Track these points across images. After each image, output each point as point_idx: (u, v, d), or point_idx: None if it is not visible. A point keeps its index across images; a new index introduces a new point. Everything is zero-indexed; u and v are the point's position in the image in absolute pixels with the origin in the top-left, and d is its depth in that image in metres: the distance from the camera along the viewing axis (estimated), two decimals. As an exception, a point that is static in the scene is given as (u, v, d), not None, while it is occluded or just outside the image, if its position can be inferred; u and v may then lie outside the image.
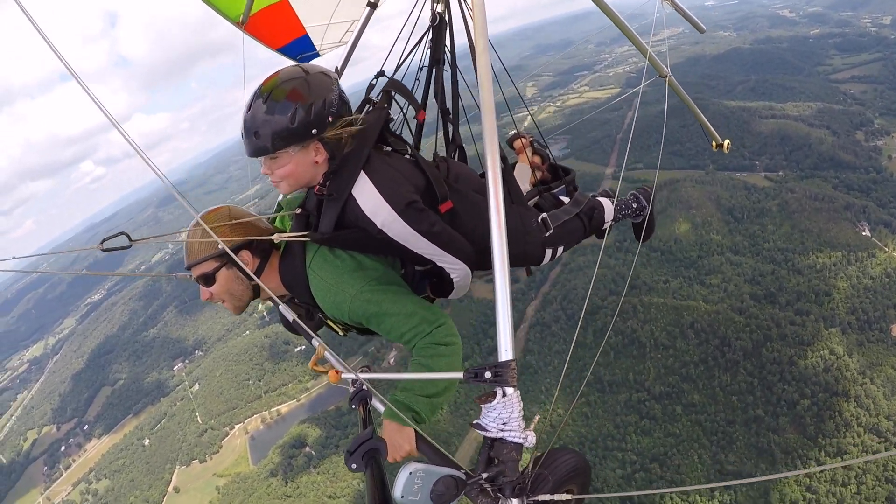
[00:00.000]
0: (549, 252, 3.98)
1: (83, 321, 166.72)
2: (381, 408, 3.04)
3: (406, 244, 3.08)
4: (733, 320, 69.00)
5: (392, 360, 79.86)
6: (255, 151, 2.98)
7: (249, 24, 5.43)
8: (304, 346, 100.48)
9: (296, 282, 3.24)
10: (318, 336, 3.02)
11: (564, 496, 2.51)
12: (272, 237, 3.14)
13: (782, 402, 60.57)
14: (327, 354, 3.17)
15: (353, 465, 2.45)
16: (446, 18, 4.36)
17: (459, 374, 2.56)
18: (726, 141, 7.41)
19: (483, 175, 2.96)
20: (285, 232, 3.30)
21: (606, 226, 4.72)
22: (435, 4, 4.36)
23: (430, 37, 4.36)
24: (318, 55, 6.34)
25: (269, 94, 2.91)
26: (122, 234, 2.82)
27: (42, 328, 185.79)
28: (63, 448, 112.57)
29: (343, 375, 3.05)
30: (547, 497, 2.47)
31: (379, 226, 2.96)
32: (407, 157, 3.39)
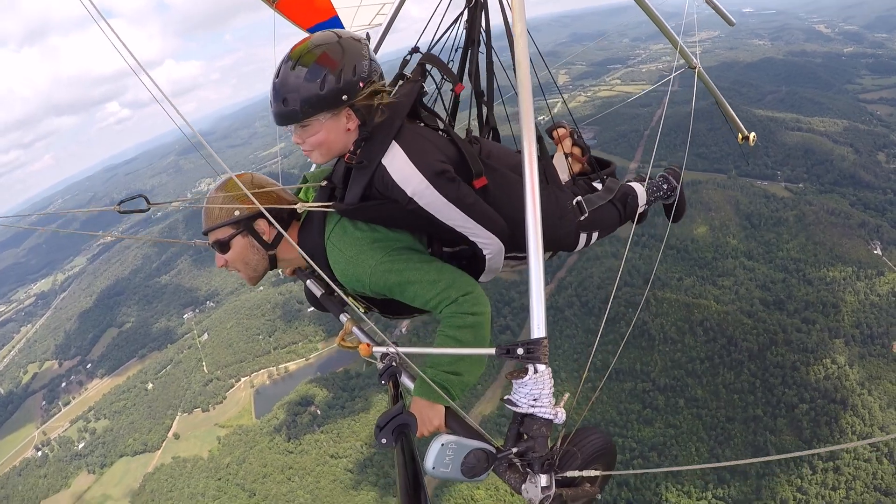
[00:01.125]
0: (583, 237, 3.91)
1: (94, 261, 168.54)
2: (410, 384, 2.97)
3: (437, 215, 3.01)
4: (741, 322, 70.36)
5: (405, 329, 79.96)
6: (285, 119, 2.99)
7: (280, 3, 5.57)
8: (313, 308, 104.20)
9: (314, 254, 3.19)
10: (352, 307, 3.18)
11: (593, 472, 2.65)
12: (294, 206, 3.13)
13: (782, 405, 61.92)
14: (355, 329, 3.36)
15: (384, 440, 2.46)
16: None
17: (492, 350, 2.58)
18: (752, 134, 7.51)
19: (519, 153, 3.17)
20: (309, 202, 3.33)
21: (641, 209, 4.68)
22: None
23: (465, 17, 4.34)
24: None
25: (299, 59, 2.93)
26: (140, 196, 2.78)
27: (51, 264, 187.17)
28: (64, 384, 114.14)
29: (374, 349, 3.05)
30: (576, 473, 2.59)
31: (409, 194, 2.92)
32: (440, 131, 3.38)
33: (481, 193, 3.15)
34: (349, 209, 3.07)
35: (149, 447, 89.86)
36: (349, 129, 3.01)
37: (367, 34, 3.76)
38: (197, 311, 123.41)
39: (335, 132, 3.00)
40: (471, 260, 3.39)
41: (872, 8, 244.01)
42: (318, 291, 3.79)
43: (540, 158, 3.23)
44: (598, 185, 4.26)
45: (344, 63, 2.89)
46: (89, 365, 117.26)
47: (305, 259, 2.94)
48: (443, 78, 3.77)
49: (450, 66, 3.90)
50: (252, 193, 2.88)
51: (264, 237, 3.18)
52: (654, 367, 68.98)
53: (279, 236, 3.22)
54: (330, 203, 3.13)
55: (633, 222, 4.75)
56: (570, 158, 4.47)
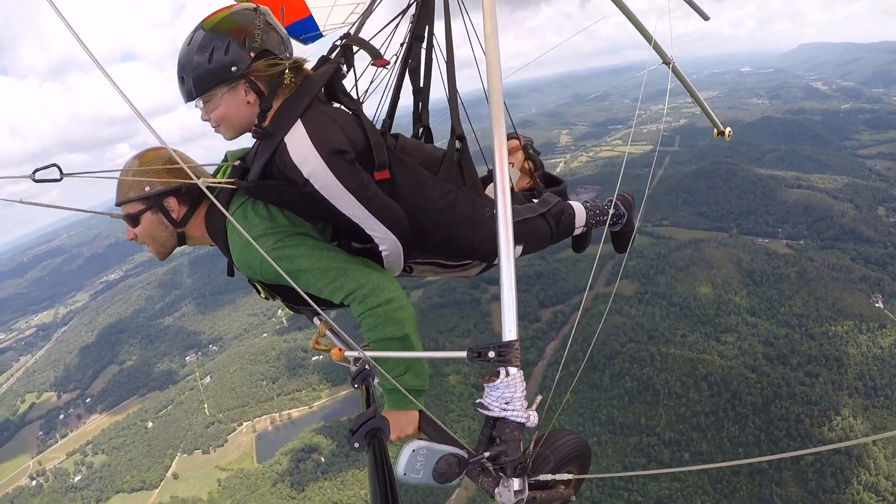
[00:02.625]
0: None
1: (97, 297, 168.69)
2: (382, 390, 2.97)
3: (332, 201, 2.95)
4: (746, 377, 71.17)
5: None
6: (185, 95, 3.00)
7: (255, 2, 4.92)
8: (321, 357, 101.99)
9: (216, 234, 3.21)
10: (322, 312, 3.02)
11: (566, 476, 2.67)
12: (196, 182, 2.82)
13: (786, 458, 61.39)
14: (329, 333, 3.37)
15: (356, 444, 2.39)
16: None
17: (463, 354, 2.53)
18: (727, 129, 7.67)
19: (443, 153, 3.42)
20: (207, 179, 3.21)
21: (578, 230, 4.56)
22: None
23: (413, 12, 4.21)
24: (321, 36, 6.23)
25: (192, 35, 2.93)
26: (53, 165, 2.64)
27: (53, 297, 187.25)
28: (62, 416, 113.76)
29: (346, 353, 3.01)
30: (548, 476, 2.60)
31: (305, 175, 2.86)
32: (349, 114, 3.25)
33: (388, 187, 3.14)
34: (249, 187, 3.04)
35: (147, 485, 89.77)
36: (249, 102, 3.01)
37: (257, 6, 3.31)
38: (200, 353, 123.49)
39: (234, 106, 3.00)
40: (377, 257, 3.33)
41: (869, 63, 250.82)
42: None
43: (459, 158, 3.47)
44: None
45: (233, 33, 2.89)
46: (88, 399, 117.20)
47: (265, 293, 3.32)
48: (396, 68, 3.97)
49: (394, 58, 4.16)
50: (164, 169, 3.07)
51: (173, 214, 3.20)
52: (659, 421, 69.35)
53: (188, 214, 3.24)
54: (231, 180, 3.08)
55: (576, 250, 4.98)
56: (515, 171, 4.58)
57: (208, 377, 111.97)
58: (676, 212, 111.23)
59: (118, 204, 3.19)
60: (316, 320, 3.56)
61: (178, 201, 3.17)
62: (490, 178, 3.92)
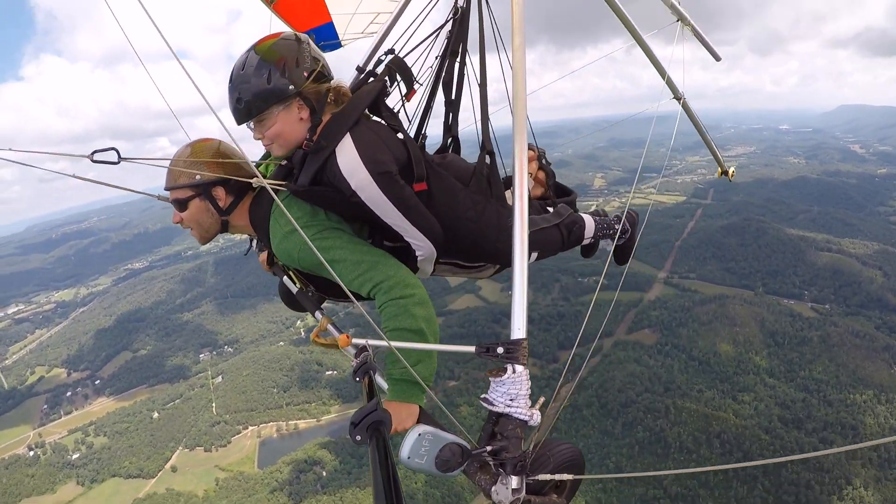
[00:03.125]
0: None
1: (119, 283, 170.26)
2: (384, 384, 3.07)
3: (376, 210, 3.14)
4: (759, 437, 70.50)
5: None
6: (241, 115, 3.15)
7: (278, 4, 5.64)
8: (334, 371, 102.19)
9: (259, 224, 3.41)
10: (322, 309, 3.39)
11: (564, 476, 2.73)
12: (251, 180, 3.27)
13: None
14: (331, 327, 3.41)
15: (358, 437, 2.32)
16: (468, 12, 4.33)
17: (471, 349, 2.65)
18: (731, 168, 7.69)
19: (474, 167, 3.60)
20: (267, 178, 3.50)
21: (587, 241, 4.84)
22: None
23: (448, 28, 4.33)
24: (339, 45, 6.32)
25: (246, 59, 3.11)
26: (112, 148, 2.73)
27: (76, 277, 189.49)
28: (69, 394, 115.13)
29: (353, 341, 3.07)
30: (547, 476, 2.65)
31: (353, 187, 3.04)
32: (393, 130, 3.45)
33: (424, 196, 3.30)
34: (299, 190, 3.22)
35: (144, 473, 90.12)
36: (302, 119, 3.20)
37: (296, 35, 3.47)
38: (214, 353, 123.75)
39: (289, 123, 3.18)
40: (407, 257, 3.51)
41: None
42: (293, 288, 3.84)
43: (489, 171, 3.65)
44: (550, 209, 4.54)
45: (286, 57, 3.10)
46: (98, 381, 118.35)
47: (278, 273, 3.57)
48: (414, 80, 3.94)
49: (429, 72, 4.30)
50: (216, 161, 3.31)
51: (220, 203, 3.41)
52: (668, 475, 67.71)
53: (234, 204, 3.46)
54: (284, 182, 3.30)
55: (584, 255, 5.22)
56: (529, 180, 4.48)
57: (220, 377, 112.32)
58: (704, 265, 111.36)
59: (168, 188, 3.39)
60: (318, 314, 3.62)
61: (226, 191, 3.39)
62: (510, 181, 3.87)
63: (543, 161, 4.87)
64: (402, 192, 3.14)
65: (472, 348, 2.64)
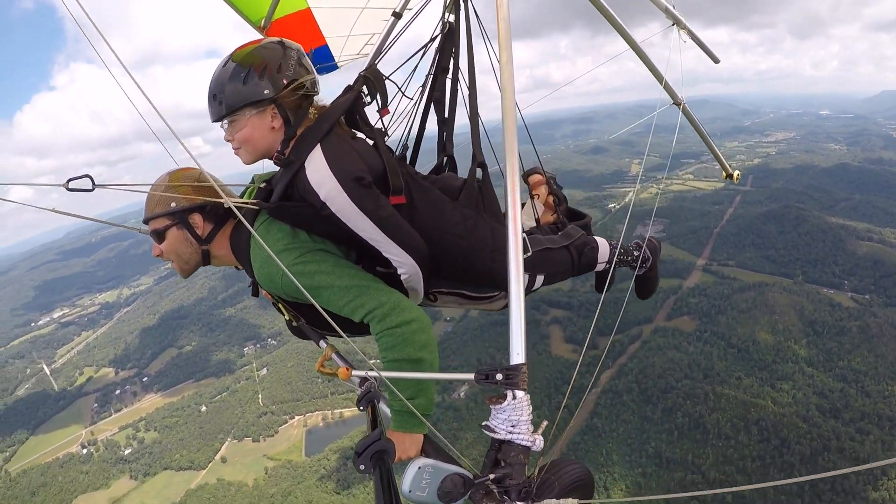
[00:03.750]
0: (526, 277, 3.56)
1: (161, 282, 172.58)
2: (388, 410, 2.99)
3: (348, 223, 3.01)
4: (797, 426, 71.20)
5: None
6: (214, 114, 3.11)
7: (270, 30, 5.58)
8: (378, 359, 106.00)
9: (240, 251, 3.28)
10: (326, 338, 3.46)
11: (570, 501, 2.60)
12: (220, 200, 3.11)
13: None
14: (335, 356, 3.50)
15: (362, 467, 2.38)
16: (457, 28, 4.29)
17: (471, 376, 2.57)
18: (736, 171, 7.54)
19: (464, 181, 3.50)
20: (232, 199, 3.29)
21: (601, 266, 4.64)
22: (447, 14, 4.32)
23: (437, 45, 4.29)
24: (336, 67, 6.37)
25: (228, 59, 3.09)
26: (86, 176, 2.62)
27: (118, 278, 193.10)
28: (118, 392, 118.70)
29: (354, 373, 3.08)
30: (552, 502, 2.55)
31: (322, 198, 2.93)
32: (368, 142, 3.39)
33: (405, 211, 3.18)
34: (271, 208, 3.12)
35: (195, 465, 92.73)
36: (274, 128, 3.11)
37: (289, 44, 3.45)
38: (258, 346, 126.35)
39: (260, 129, 3.10)
40: (399, 282, 3.37)
41: None
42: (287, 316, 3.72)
43: (480, 186, 3.52)
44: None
45: (268, 61, 3.05)
46: (145, 378, 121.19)
47: (279, 308, 3.45)
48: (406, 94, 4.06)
49: (420, 89, 4.24)
50: (192, 187, 3.20)
51: (198, 231, 3.29)
52: (706, 460, 70.00)
53: (213, 232, 3.33)
54: (254, 200, 3.20)
55: (598, 290, 4.86)
56: (539, 205, 4.63)
57: (265, 369, 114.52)
58: (742, 253, 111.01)
59: (146, 220, 3.34)
60: (322, 343, 3.63)
61: (203, 218, 3.32)
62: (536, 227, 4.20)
63: (554, 185, 4.77)
64: (376, 201, 3.04)
65: (471, 375, 2.59)
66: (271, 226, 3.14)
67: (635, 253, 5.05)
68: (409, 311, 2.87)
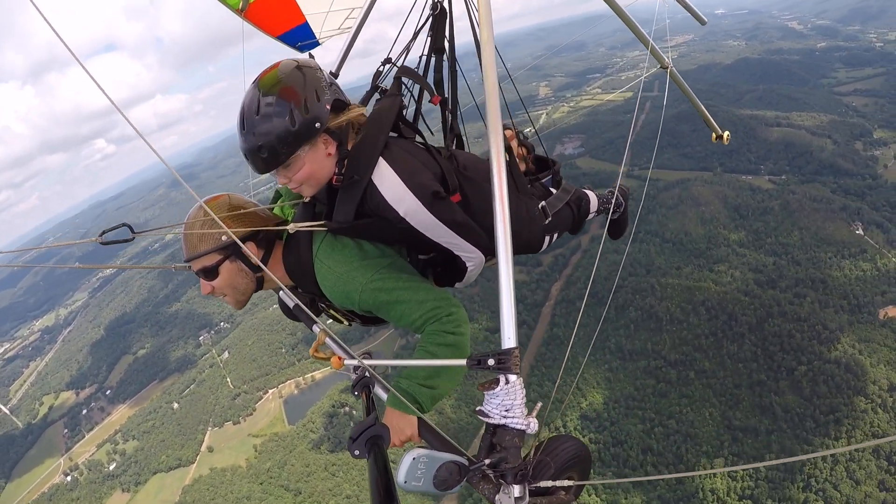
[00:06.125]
0: (547, 238, 4.11)
1: (96, 294, 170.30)
2: (383, 395, 3.05)
3: (427, 233, 3.12)
4: (739, 300, 77.68)
5: (397, 348, 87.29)
6: (265, 167, 2.96)
7: (249, 11, 5.54)
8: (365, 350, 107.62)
9: (301, 271, 3.26)
10: (319, 322, 3.36)
11: (566, 482, 2.69)
12: (286, 227, 3.12)
13: (782, 369, 69.29)
14: (328, 341, 3.35)
15: (356, 452, 2.44)
16: (447, 7, 4.34)
17: (462, 362, 2.57)
18: (726, 133, 7.62)
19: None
20: (287, 221, 3.31)
21: (591, 215, 4.93)
22: None
23: (430, 25, 4.32)
24: (318, 44, 6.33)
25: (258, 102, 2.89)
26: (124, 225, 2.75)
27: (51, 300, 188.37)
28: (84, 412, 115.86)
29: (346, 362, 2.97)
30: (549, 483, 2.63)
31: (402, 214, 2.98)
32: (419, 145, 3.43)
33: (462, 206, 3.26)
34: (343, 227, 3.13)
35: (183, 462, 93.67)
36: (330, 154, 3.07)
37: (311, 53, 3.80)
38: (213, 332, 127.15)
39: (318, 162, 3.05)
40: (446, 266, 3.64)
41: (845, 1, 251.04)
42: (290, 303, 3.90)
43: (510, 169, 3.58)
44: (553, 190, 4.47)
45: (307, 92, 2.91)
46: (108, 391, 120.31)
47: (278, 283, 3.28)
48: (421, 90, 3.98)
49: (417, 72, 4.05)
50: (232, 215, 3.16)
51: (252, 260, 3.18)
52: (664, 345, 75.89)
53: (266, 256, 3.28)
54: (322, 222, 3.17)
55: (571, 233, 4.92)
56: (518, 159, 4.53)
57: (226, 353, 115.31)
58: (661, 154, 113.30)
59: (190, 259, 3.22)
60: (315, 328, 3.58)
61: (256, 245, 3.24)
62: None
63: (521, 137, 4.83)
64: (452, 208, 3.16)
65: (462, 361, 2.60)
66: (335, 243, 3.21)
67: (612, 201, 5.37)
68: (467, 324, 3.05)
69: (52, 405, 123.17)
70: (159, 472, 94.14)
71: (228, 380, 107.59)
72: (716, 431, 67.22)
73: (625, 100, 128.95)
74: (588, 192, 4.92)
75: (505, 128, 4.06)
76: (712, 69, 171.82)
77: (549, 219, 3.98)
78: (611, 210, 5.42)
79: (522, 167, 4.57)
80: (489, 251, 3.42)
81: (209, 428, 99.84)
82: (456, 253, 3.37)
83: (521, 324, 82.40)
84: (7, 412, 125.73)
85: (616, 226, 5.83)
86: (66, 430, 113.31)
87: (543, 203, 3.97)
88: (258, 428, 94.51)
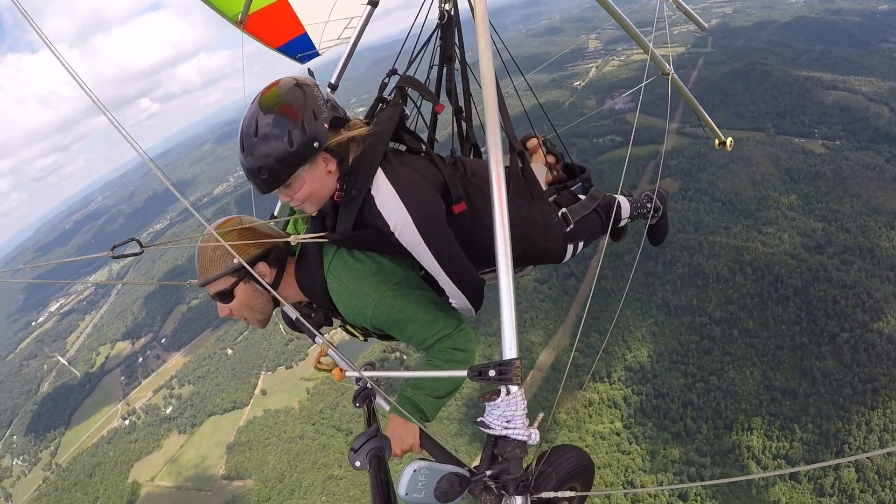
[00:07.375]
0: (570, 248, 3.97)
1: (147, 250, 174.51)
2: (385, 406, 3.15)
3: (413, 252, 3.12)
4: (786, 262, 78.71)
5: (397, 357, 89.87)
6: (266, 187, 2.99)
7: (248, 23, 5.59)
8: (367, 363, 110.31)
9: (314, 287, 3.29)
10: (320, 334, 3.35)
11: (568, 493, 2.69)
12: (287, 239, 3.21)
13: (824, 334, 70.35)
14: (331, 352, 3.39)
15: (357, 463, 2.47)
16: (454, 15, 4.41)
17: (463, 373, 2.54)
18: (729, 139, 7.46)
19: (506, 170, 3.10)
20: (299, 236, 3.31)
21: (624, 222, 4.87)
22: (443, 3, 4.41)
23: (439, 34, 4.38)
24: (317, 54, 6.50)
25: (256, 122, 2.91)
26: (133, 240, 2.77)
27: (103, 257, 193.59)
28: (140, 360, 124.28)
29: (347, 374, 3.11)
30: (551, 494, 2.60)
31: (392, 226, 2.99)
32: (423, 155, 3.44)
33: (468, 215, 3.24)
34: (342, 239, 3.18)
35: (237, 404, 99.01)
36: (330, 172, 3.08)
37: (310, 69, 3.53)
38: None
39: (318, 180, 3.06)
40: None
41: None
42: (292, 314, 3.60)
43: (524, 174, 3.66)
44: (582, 197, 4.31)
45: (302, 110, 2.91)
46: (164, 340, 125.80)
47: (276, 297, 3.19)
48: (421, 97, 3.90)
49: (429, 84, 4.21)
50: (242, 234, 3.22)
51: (266, 280, 3.23)
52: (710, 303, 77.68)
53: (279, 274, 3.33)
54: (322, 234, 3.23)
55: (613, 239, 5.08)
56: (541, 167, 4.62)
57: None
58: (713, 112, 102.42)
59: (204, 284, 3.25)
60: (317, 339, 3.53)
61: (268, 265, 3.28)
62: (550, 189, 4.31)
63: (548, 145, 4.84)
64: (444, 237, 3.13)
65: (463, 373, 2.56)
66: (347, 257, 3.24)
67: (648, 205, 5.29)
68: (474, 342, 3.12)
69: (108, 355, 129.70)
70: (214, 414, 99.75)
71: (281, 325, 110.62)
72: (755, 390, 69.31)
73: (677, 55, 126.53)
74: (619, 196, 4.79)
75: (531, 136, 4.78)
76: (768, 26, 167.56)
77: (571, 226, 3.89)
78: (649, 215, 5.34)
79: (549, 176, 4.68)
80: (478, 300, 3.45)
81: (262, 372, 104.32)
82: (439, 284, 3.32)
83: (568, 276, 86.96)
84: (65, 363, 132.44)
85: (655, 231, 5.75)
86: (122, 378, 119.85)
87: (564, 210, 3.91)
88: (311, 372, 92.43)
